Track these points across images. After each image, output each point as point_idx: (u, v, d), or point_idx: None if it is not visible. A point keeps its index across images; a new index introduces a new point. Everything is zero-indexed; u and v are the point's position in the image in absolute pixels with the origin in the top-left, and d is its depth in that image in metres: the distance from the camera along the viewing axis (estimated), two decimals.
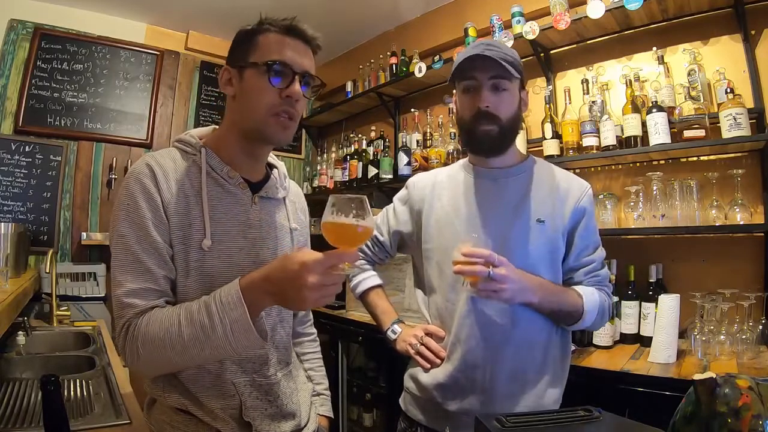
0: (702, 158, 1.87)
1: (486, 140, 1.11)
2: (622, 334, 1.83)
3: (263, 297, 0.75)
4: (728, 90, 1.69)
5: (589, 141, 1.96)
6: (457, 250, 0.98)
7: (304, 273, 0.70)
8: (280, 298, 0.75)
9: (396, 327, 1.23)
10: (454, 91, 1.19)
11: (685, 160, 1.90)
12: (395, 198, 1.33)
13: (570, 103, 2.09)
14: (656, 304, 1.65)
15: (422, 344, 1.15)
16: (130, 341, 0.78)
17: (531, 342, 1.09)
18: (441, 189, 1.22)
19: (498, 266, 0.95)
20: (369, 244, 1.34)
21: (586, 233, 1.13)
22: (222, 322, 0.74)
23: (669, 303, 1.58)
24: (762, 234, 1.69)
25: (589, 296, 1.10)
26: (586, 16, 1.95)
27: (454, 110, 1.22)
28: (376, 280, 1.33)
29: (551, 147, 2.10)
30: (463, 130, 1.16)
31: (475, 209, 1.14)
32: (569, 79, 2.27)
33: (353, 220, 0.73)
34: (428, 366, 1.14)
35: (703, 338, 1.54)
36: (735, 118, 1.62)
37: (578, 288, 1.12)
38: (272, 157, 1.03)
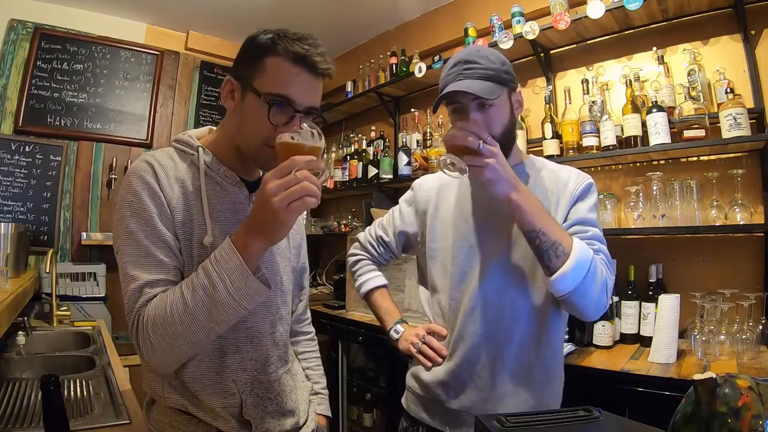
0: (702, 158, 1.87)
1: None
2: (622, 334, 1.83)
3: (250, 239, 0.75)
4: (728, 90, 1.69)
5: (589, 141, 1.96)
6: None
7: (264, 185, 0.72)
8: (259, 226, 0.74)
9: (399, 327, 1.24)
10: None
11: (685, 160, 1.90)
12: (401, 200, 1.34)
13: (570, 103, 2.09)
14: (656, 304, 1.65)
15: (424, 343, 1.16)
16: (142, 331, 0.78)
17: (534, 338, 1.09)
18: (446, 191, 1.22)
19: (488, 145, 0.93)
20: (374, 244, 1.35)
21: (575, 212, 1.08)
22: (221, 277, 0.74)
23: (669, 303, 1.58)
24: (762, 234, 1.69)
25: (583, 246, 0.98)
26: (586, 16, 1.95)
27: (434, 117, 1.20)
28: (380, 281, 1.33)
29: (551, 147, 2.10)
30: None
31: (478, 210, 1.15)
32: (569, 79, 2.27)
33: (302, 139, 0.77)
34: (430, 365, 1.15)
35: (703, 338, 1.54)
36: (735, 118, 1.62)
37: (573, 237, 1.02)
38: None
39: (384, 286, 1.34)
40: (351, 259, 1.40)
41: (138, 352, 0.81)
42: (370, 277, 1.33)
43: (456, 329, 1.13)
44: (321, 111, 0.93)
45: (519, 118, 2.21)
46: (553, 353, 1.13)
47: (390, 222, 1.34)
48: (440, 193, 1.23)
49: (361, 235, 1.41)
